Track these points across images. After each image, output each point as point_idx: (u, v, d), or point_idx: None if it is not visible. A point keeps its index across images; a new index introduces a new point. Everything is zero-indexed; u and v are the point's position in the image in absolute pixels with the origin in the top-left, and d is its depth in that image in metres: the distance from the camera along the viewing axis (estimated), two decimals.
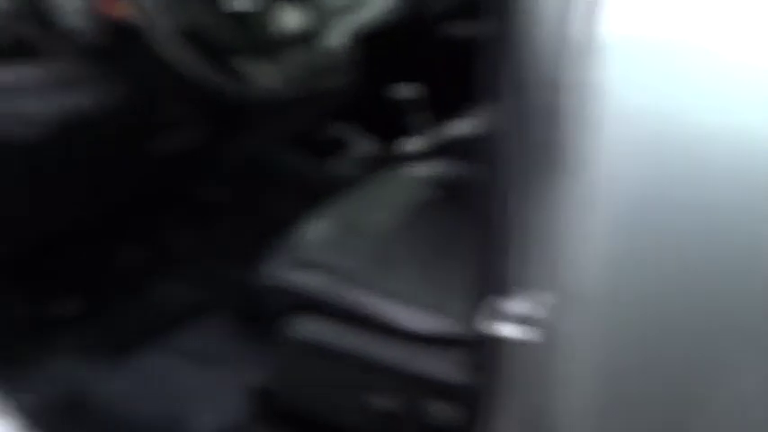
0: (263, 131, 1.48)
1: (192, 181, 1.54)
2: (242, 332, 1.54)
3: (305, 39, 1.27)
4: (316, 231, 1.11)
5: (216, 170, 1.56)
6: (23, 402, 1.16)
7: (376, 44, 1.70)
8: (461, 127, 1.44)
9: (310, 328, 1.00)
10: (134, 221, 1.56)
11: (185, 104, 1.25)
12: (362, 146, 1.65)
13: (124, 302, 1.51)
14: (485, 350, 0.59)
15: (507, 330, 0.57)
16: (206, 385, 1.39)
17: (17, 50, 1.07)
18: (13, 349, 1.19)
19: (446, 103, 1.67)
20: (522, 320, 0.59)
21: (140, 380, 1.39)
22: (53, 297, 1.38)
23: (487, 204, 0.59)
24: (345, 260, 1.04)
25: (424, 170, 1.32)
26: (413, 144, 1.45)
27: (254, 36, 1.17)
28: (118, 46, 1.14)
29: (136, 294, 1.54)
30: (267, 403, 1.13)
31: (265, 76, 1.16)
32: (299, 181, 1.56)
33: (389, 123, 1.59)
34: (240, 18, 1.14)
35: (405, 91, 1.55)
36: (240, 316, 1.56)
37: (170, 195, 1.54)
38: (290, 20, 1.24)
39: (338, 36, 1.43)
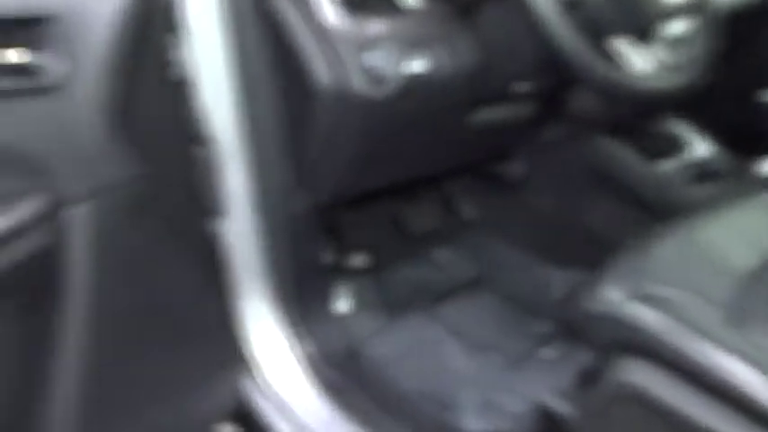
0: (590, 115, 1.32)
1: (497, 155, 1.44)
2: (512, 320, 1.45)
3: (685, 13, 1.06)
4: (659, 258, 0.93)
5: (524, 146, 1.43)
6: (305, 349, 1.18)
7: (739, 30, 1.42)
8: None
9: (640, 374, 0.85)
10: (430, 186, 1.51)
11: (533, 78, 1.13)
12: (700, 151, 1.41)
13: (406, 264, 1.49)
14: None
15: None
16: (474, 371, 1.32)
17: (384, 4, 1.02)
18: (310, 296, 1.21)
19: None
20: None
21: (409, 346, 1.36)
22: (346, 250, 1.40)
23: None
24: (697, 303, 0.86)
25: None
26: None
27: (634, 14, 1.00)
28: (483, 7, 1.04)
29: (418, 258, 1.51)
30: (555, 428, 1.01)
31: (637, 59, 0.99)
32: (615, 176, 1.38)
33: (745, 130, 1.33)
34: None
35: None
36: (515, 303, 1.47)
37: (471, 166, 1.46)
38: None
39: (709, 16, 1.20)
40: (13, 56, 0.73)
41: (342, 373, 1.20)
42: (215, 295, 1.08)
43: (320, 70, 0.99)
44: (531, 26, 0.95)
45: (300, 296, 1.20)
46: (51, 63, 0.74)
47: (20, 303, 0.76)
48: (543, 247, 1.49)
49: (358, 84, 0.98)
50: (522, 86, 1.16)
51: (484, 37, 1.06)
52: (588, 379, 0.95)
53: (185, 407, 1.01)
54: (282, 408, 1.11)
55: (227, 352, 1.11)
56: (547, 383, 1.17)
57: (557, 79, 1.14)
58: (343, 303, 1.37)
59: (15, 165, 0.73)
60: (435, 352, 1.36)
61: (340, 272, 1.38)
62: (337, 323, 1.29)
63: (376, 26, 1.00)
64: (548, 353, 1.34)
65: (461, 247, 1.55)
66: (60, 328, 0.81)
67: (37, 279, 0.77)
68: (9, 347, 0.78)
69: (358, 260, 1.43)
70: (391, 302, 1.43)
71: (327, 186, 1.13)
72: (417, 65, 1.00)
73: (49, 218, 0.75)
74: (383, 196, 1.42)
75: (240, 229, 1.11)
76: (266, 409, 1.12)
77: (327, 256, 1.31)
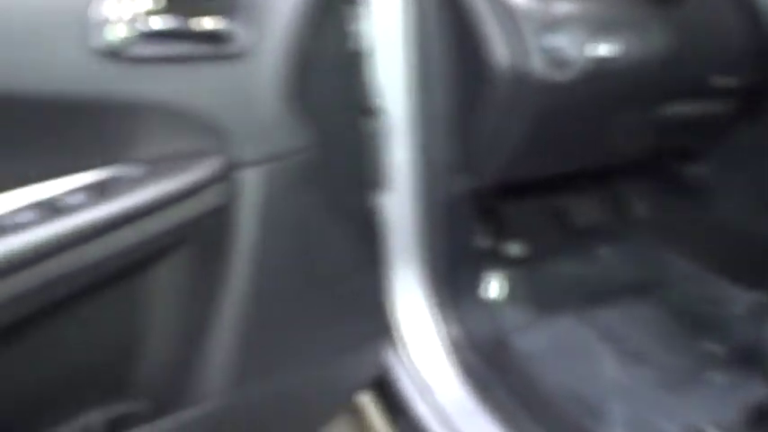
0: None
1: (679, 153, 1.32)
2: (677, 334, 1.33)
3: None
4: None
5: (712, 147, 1.29)
6: (451, 332, 1.17)
7: None
8: None
9: None
10: (599, 179, 1.42)
11: (737, 72, 1.01)
12: None
13: (564, 259, 1.42)
14: None
15: None
16: (627, 383, 1.23)
17: None
18: (461, 278, 1.19)
19: None
20: None
21: (558, 344, 1.30)
22: (503, 237, 1.35)
23: None
24: None
25: None
26: None
27: None
28: None
29: (578, 254, 1.43)
30: None
31: None
32: None
33: None
34: None
35: None
36: (682, 316, 1.35)
37: (649, 162, 1.35)
38: None
39: None
40: (209, 23, 0.76)
41: (485, 362, 1.17)
42: (370, 267, 1.09)
43: (499, 50, 0.95)
44: (747, 12, 0.84)
45: (452, 278, 1.18)
46: (241, 31, 0.77)
47: (193, 254, 0.82)
48: (722, 259, 1.35)
49: (538, 66, 0.93)
50: (724, 81, 1.04)
51: (684, 22, 0.96)
52: (764, 416, 0.84)
53: (330, 370, 1.04)
54: (422, 387, 1.11)
55: (376, 324, 1.12)
56: (710, 411, 1.07)
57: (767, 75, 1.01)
58: (494, 291, 1.33)
59: (199, 126, 0.78)
60: (586, 355, 1.28)
61: (494, 259, 1.35)
62: (486, 310, 1.26)
63: (563, 6, 0.94)
64: (714, 377, 1.21)
65: (627, 248, 1.45)
66: (225, 281, 0.86)
67: (209, 234, 0.82)
68: (181, 292, 0.84)
69: (514, 249, 1.38)
70: (544, 296, 1.37)
71: (493, 171, 1.09)
72: (604, 48, 0.93)
73: (224, 179, 0.79)
74: (547, 185, 1.36)
75: (400, 205, 1.11)
76: (406, 386, 1.12)
77: (483, 242, 1.28)
